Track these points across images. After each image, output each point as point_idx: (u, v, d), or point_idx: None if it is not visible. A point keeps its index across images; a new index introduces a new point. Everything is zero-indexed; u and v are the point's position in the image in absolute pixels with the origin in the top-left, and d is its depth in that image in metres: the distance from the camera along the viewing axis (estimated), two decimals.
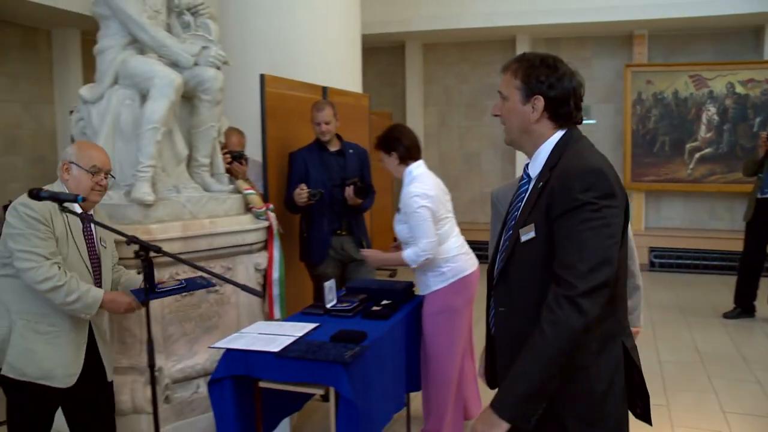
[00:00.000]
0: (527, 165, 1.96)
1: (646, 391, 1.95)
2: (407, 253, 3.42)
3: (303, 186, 4.17)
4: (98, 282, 2.80)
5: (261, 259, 3.91)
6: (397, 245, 3.65)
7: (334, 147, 4.39)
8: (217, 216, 3.73)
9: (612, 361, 1.83)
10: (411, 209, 3.39)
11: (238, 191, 3.94)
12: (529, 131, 1.90)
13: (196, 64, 3.72)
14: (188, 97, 3.77)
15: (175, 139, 3.72)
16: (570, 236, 1.72)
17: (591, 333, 1.72)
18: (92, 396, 2.84)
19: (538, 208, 1.80)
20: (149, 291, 2.60)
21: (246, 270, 3.86)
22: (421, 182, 3.46)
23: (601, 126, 9.59)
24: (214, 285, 3.22)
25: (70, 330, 2.70)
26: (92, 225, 2.79)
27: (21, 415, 2.71)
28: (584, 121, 2.09)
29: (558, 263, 1.73)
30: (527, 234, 1.82)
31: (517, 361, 1.75)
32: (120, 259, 3.24)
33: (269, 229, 3.97)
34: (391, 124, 3.73)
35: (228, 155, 4.15)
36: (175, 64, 3.67)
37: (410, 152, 3.53)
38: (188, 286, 2.95)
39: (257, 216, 3.90)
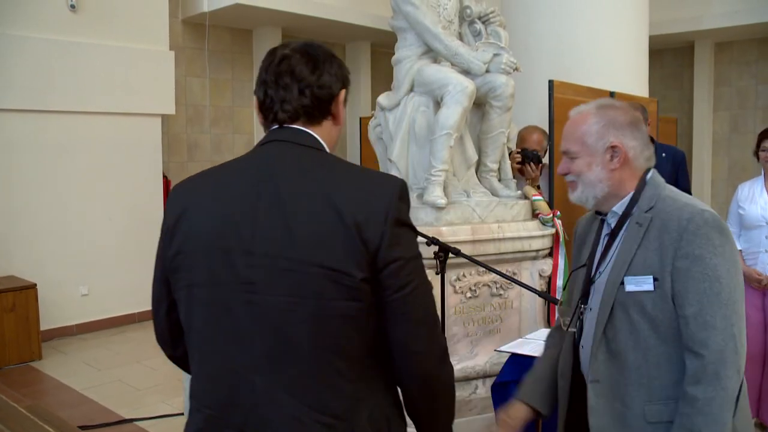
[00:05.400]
0: None
1: None
2: None
3: None
4: None
5: (546, 266, 3.88)
6: None
7: None
8: (505, 221, 3.76)
9: None
10: None
11: (525, 197, 3.95)
12: None
13: (487, 71, 3.78)
14: (479, 104, 3.85)
15: (465, 144, 3.83)
16: None
17: None
18: None
19: None
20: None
21: (530, 276, 3.84)
22: None
23: None
24: None
25: None
26: None
27: None
28: None
29: None
30: None
31: None
32: None
33: (555, 236, 3.92)
34: None
35: (519, 155, 4.16)
36: (467, 72, 3.76)
37: None
38: None
39: (544, 223, 3.87)
